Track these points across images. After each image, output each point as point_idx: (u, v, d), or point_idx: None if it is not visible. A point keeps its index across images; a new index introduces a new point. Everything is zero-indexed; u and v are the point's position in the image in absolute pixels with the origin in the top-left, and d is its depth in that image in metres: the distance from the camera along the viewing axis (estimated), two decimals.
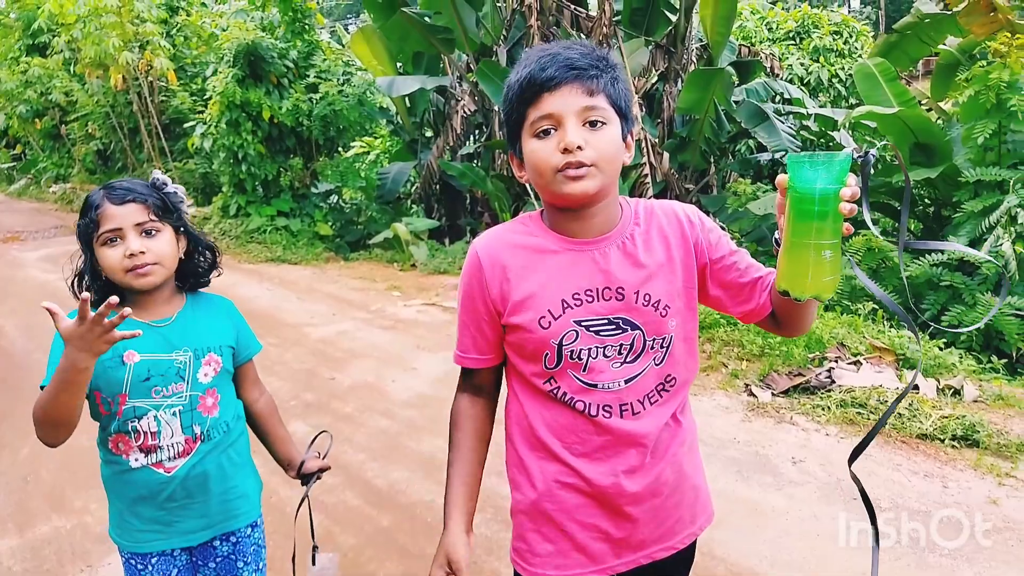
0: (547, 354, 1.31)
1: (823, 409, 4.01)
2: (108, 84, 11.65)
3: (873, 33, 14.26)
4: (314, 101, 9.53)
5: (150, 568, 1.72)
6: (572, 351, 1.30)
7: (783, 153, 7.63)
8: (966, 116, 5.78)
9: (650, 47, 8.28)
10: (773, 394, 4.26)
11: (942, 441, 3.61)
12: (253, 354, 1.86)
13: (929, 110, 7.75)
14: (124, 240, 1.59)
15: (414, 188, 10.34)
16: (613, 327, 1.30)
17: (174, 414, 1.65)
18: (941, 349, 4.52)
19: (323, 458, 1.92)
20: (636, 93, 7.79)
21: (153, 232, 1.62)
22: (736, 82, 8.34)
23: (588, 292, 1.30)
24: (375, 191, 10.37)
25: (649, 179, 7.31)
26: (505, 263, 1.34)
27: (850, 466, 1.23)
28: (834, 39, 12.88)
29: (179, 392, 1.66)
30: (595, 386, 1.31)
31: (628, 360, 1.31)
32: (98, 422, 1.68)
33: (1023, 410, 3.91)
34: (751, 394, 4.30)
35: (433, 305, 6.70)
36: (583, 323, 1.30)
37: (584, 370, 1.31)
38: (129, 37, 10.92)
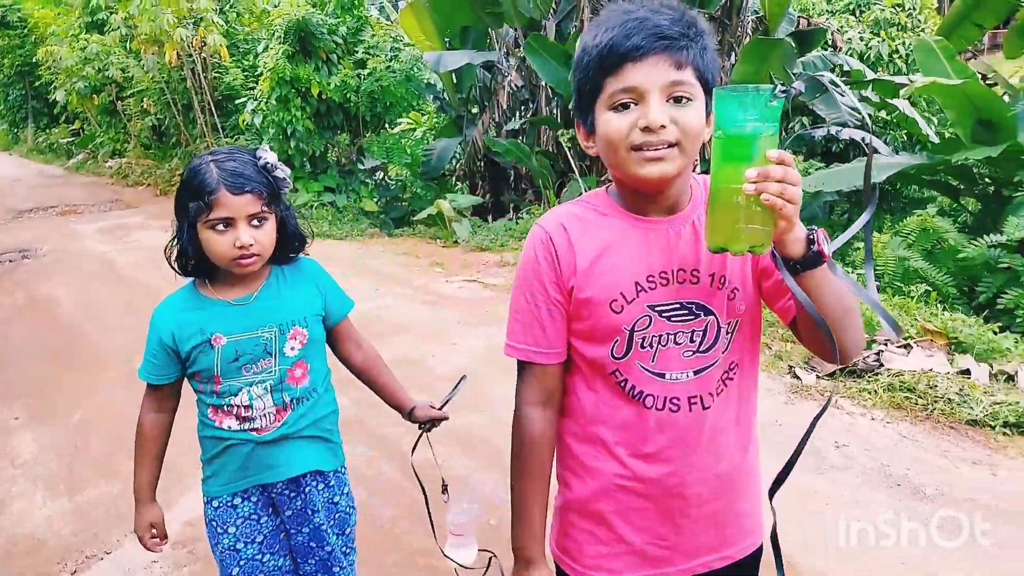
0: (616, 340, 1.21)
1: (870, 393, 3.91)
2: (163, 60, 11.86)
3: (937, 5, 13.66)
4: (362, 77, 9.57)
5: (236, 510, 1.76)
6: (644, 338, 1.20)
7: (840, 128, 7.39)
8: None
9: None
10: (818, 376, 4.17)
11: (992, 428, 3.50)
12: (345, 314, 1.85)
13: (993, 85, 7.42)
14: (235, 229, 1.56)
15: (459, 165, 10.34)
16: (685, 312, 1.20)
17: (265, 389, 1.68)
18: (996, 333, 4.35)
19: (442, 407, 1.89)
20: None
21: (261, 222, 1.61)
22: (796, 54, 8.09)
23: (663, 274, 1.19)
24: (420, 167, 10.40)
25: None
26: (574, 239, 1.23)
27: (771, 499, 1.18)
28: (895, 11, 12.38)
29: (268, 368, 1.67)
30: (662, 376, 1.21)
31: (701, 350, 1.21)
32: (197, 393, 1.73)
33: None
34: (795, 376, 4.21)
35: (475, 282, 6.71)
36: (656, 308, 1.20)
37: (653, 360, 1.21)
38: (183, 13, 11.09)
